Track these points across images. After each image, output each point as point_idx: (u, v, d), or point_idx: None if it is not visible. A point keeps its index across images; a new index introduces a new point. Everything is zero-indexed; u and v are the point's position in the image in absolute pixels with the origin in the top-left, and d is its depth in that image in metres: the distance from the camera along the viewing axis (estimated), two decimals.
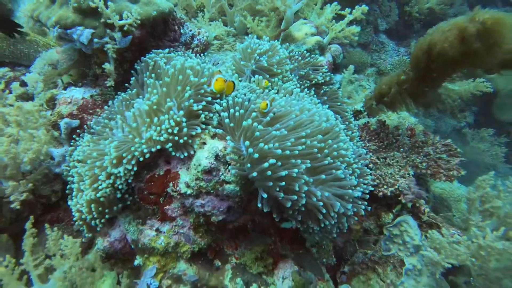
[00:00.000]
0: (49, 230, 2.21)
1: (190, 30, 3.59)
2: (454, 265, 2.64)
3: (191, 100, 2.04)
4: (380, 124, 3.54)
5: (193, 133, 2.05)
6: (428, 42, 2.32)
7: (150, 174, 2.11)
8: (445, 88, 6.79)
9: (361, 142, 3.04)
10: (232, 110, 2.00)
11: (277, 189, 1.86)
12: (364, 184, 2.46)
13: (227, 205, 2.07)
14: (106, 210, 2.16)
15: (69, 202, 2.43)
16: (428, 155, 3.20)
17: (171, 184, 2.06)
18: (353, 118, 3.26)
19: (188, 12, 4.26)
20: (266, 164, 1.81)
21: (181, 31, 3.55)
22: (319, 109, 2.43)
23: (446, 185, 4.41)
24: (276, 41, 2.76)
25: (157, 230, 2.15)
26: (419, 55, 2.41)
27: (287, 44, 3.20)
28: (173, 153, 2.01)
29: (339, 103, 3.11)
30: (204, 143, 2.03)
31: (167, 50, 2.93)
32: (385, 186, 2.98)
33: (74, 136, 2.75)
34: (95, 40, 2.78)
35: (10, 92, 3.95)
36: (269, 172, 1.81)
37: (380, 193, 2.98)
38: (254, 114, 1.99)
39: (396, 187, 2.93)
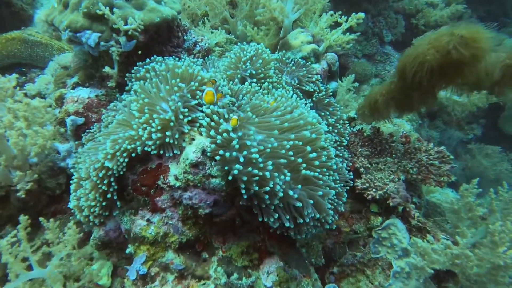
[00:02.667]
0: (44, 221, 2.37)
1: (193, 37, 3.78)
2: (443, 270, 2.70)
3: (181, 101, 2.19)
4: (374, 130, 3.63)
5: (185, 130, 2.20)
6: (411, 53, 2.44)
7: (143, 167, 2.26)
8: (449, 99, 6.80)
9: (346, 153, 3.15)
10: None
11: (254, 184, 1.99)
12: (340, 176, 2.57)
13: (214, 198, 2.20)
14: (103, 203, 2.32)
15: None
16: (420, 161, 3.27)
17: (161, 176, 2.20)
18: (346, 124, 3.37)
19: (194, 20, 4.48)
20: (241, 159, 1.94)
21: (185, 37, 3.74)
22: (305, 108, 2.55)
23: (441, 196, 4.44)
24: (261, 45, 2.91)
25: (148, 220, 2.29)
26: (402, 66, 2.52)
27: (284, 51, 3.34)
28: (162, 152, 2.16)
29: (331, 108, 3.22)
30: (193, 139, 2.17)
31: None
32: (374, 190, 3.05)
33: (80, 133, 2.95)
34: (102, 43, 2.98)
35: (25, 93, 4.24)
36: (250, 169, 1.95)
37: (369, 196, 3.06)
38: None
39: (385, 190, 3.01)
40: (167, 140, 2.13)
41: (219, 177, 2.11)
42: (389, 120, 3.31)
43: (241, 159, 1.96)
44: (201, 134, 2.19)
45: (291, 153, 2.08)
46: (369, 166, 3.31)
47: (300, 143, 2.15)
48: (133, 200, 2.33)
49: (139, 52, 3.12)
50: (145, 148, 2.14)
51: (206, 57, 3.77)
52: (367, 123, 3.83)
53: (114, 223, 2.47)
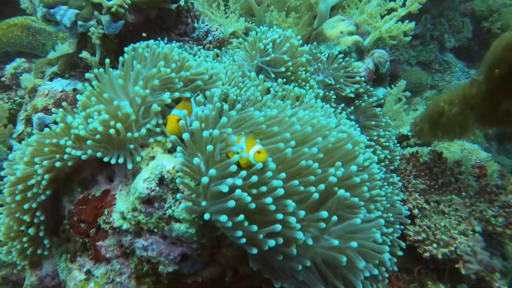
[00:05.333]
0: None
1: (206, 25, 3.06)
2: None
3: (147, 92, 1.43)
4: (435, 156, 2.67)
5: (151, 140, 1.44)
6: None
7: (84, 194, 1.53)
8: None
9: (399, 184, 2.19)
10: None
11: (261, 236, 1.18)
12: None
13: (181, 251, 1.41)
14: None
15: None
16: (508, 207, 2.26)
17: (106, 211, 1.45)
18: (397, 145, 2.45)
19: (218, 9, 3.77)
20: (231, 203, 1.13)
21: (195, 24, 3.03)
22: (341, 126, 1.69)
23: None
24: (289, 30, 2.11)
25: (88, 272, 1.54)
26: (499, 56, 1.58)
27: (315, 43, 2.50)
28: (107, 158, 1.39)
29: (377, 122, 2.32)
30: (153, 158, 1.40)
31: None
32: (434, 245, 2.10)
33: None
34: (79, 22, 2.34)
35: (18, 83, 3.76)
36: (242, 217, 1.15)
37: (427, 253, 2.10)
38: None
39: (453, 248, 2.04)
40: (115, 152, 1.38)
41: (186, 221, 1.32)
42: (463, 137, 2.36)
43: (252, 206, 1.17)
44: (166, 151, 1.41)
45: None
46: (426, 206, 2.35)
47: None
48: (70, 240, 1.60)
49: (144, 34, 2.44)
50: (68, 163, 1.40)
51: (222, 49, 3.05)
52: (425, 144, 2.87)
53: (52, 266, 1.75)
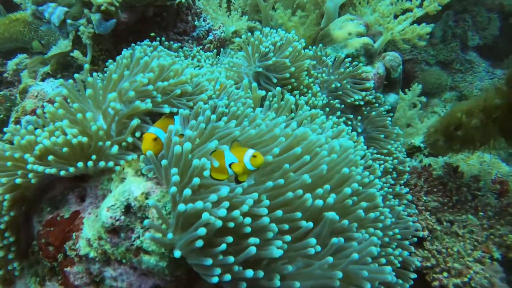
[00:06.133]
0: None
1: (207, 23, 2.90)
2: None
3: (125, 108, 1.28)
4: (449, 169, 2.45)
5: (122, 161, 1.29)
6: None
7: (53, 215, 1.40)
8: None
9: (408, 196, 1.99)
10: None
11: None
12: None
13: (153, 283, 1.27)
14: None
15: None
16: None
17: (73, 235, 1.32)
18: (406, 157, 2.24)
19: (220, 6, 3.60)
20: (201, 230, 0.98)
21: (196, 23, 2.87)
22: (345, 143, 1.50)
23: None
24: (292, 32, 1.93)
25: None
26: None
27: (320, 45, 2.30)
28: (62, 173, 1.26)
29: (383, 135, 2.12)
30: (124, 179, 1.25)
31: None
32: (445, 273, 1.89)
33: None
34: (69, 21, 2.21)
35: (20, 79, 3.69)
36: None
37: (436, 282, 1.90)
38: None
39: (466, 279, 1.83)
40: (80, 165, 1.24)
41: (155, 254, 1.17)
42: (483, 151, 2.14)
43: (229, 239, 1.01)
44: (139, 172, 1.26)
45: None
46: (438, 227, 2.14)
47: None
48: (39, 263, 1.48)
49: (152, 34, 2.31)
50: (32, 181, 1.27)
51: (222, 50, 2.88)
52: (439, 156, 2.65)
53: (25, 285, 1.65)
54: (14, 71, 3.74)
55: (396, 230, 1.63)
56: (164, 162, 1.06)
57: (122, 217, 1.15)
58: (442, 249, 2.00)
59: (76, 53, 2.25)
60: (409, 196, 2.08)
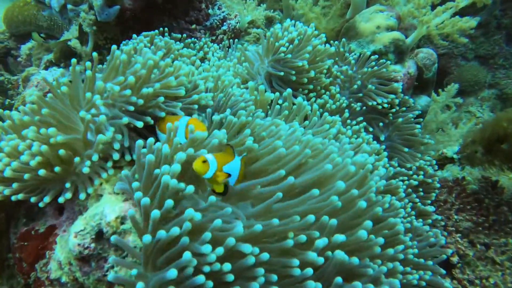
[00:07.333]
0: None
1: (223, 11, 2.67)
2: None
3: (109, 112, 1.10)
4: (487, 183, 2.16)
5: (103, 175, 1.11)
6: None
7: (28, 227, 1.25)
8: None
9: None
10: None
11: None
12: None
13: None
14: None
15: None
16: None
17: (47, 254, 1.17)
18: (437, 170, 1.97)
19: None
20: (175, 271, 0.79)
21: (209, 11, 2.65)
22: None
23: None
24: (311, 25, 1.69)
25: None
26: None
27: (344, 40, 2.03)
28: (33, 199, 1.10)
29: (408, 149, 1.86)
30: (100, 196, 1.08)
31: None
32: None
33: None
34: (69, 6, 2.05)
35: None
36: None
37: None
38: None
39: None
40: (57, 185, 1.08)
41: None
42: None
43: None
44: (114, 192, 1.08)
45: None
46: (470, 252, 1.88)
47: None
48: (13, 276, 1.35)
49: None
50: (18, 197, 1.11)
51: (236, 41, 2.64)
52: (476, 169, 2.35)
53: None
54: (27, 56, 3.67)
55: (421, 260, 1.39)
56: (135, 184, 0.88)
57: (92, 245, 0.98)
58: (475, 280, 1.74)
59: (74, 42, 2.10)
60: (437, 216, 1.83)
